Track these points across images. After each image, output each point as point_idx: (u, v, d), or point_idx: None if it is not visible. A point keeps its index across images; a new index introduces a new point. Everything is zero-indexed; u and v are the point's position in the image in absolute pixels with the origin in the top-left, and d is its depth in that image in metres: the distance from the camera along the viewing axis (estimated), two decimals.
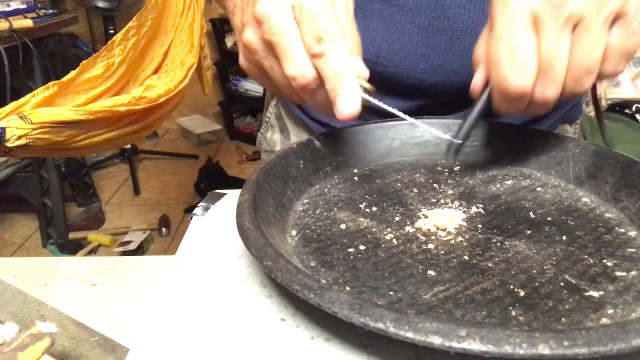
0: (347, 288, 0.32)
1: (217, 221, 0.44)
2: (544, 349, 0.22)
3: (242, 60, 0.44)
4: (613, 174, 0.42)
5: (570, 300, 0.30)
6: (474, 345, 0.23)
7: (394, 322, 0.24)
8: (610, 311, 0.29)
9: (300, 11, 0.38)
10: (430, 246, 0.36)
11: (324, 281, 0.31)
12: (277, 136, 0.70)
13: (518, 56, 0.38)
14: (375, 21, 0.55)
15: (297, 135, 0.67)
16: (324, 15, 0.38)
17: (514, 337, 0.23)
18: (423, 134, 0.51)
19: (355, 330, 0.29)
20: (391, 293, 0.31)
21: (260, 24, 0.39)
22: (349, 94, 0.39)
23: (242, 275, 0.36)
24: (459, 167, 0.49)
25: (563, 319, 0.29)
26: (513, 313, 0.29)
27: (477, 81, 0.42)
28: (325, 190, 0.44)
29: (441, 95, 0.57)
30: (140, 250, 2.02)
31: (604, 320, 0.29)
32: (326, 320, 0.31)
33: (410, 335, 0.24)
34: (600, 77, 0.38)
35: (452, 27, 0.53)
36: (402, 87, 0.56)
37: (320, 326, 0.30)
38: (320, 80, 0.39)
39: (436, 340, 0.23)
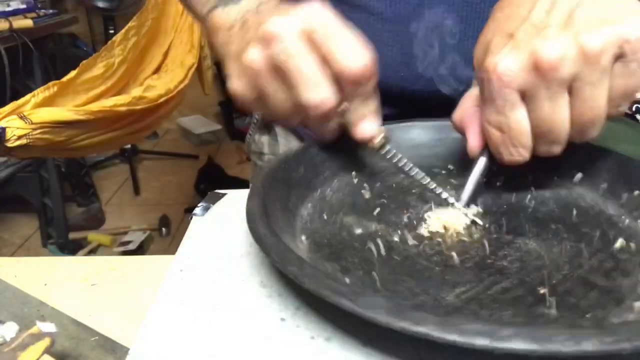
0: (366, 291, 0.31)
1: (217, 221, 0.44)
2: (587, 346, 0.23)
3: (236, 85, 0.40)
4: (610, 171, 0.43)
5: (590, 296, 0.31)
6: (519, 345, 0.23)
7: (437, 325, 0.24)
8: (632, 305, 0.30)
9: (324, 31, 0.37)
10: (443, 247, 0.36)
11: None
12: (265, 138, 0.69)
13: (510, 134, 0.37)
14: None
15: (284, 138, 0.67)
16: (353, 36, 0.37)
17: (558, 335, 0.23)
18: (418, 137, 0.51)
19: (355, 330, 0.29)
20: (413, 296, 0.31)
21: (268, 44, 0.37)
22: (376, 115, 0.41)
23: (242, 275, 0.36)
24: (454, 168, 0.49)
25: (587, 315, 0.29)
26: (538, 311, 0.29)
27: (473, 144, 0.41)
28: (327, 194, 0.44)
29: (423, 103, 0.56)
30: (140, 250, 2.02)
31: (628, 314, 0.29)
32: (326, 320, 0.31)
33: (454, 337, 0.23)
34: None
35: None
36: (383, 94, 0.56)
37: (321, 326, 0.30)
38: (339, 106, 0.39)
39: (481, 342, 0.23)
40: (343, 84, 0.38)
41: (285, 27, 0.36)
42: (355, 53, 0.37)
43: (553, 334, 0.23)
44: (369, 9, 0.54)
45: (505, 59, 0.35)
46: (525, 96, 0.36)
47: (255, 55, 0.37)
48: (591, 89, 0.34)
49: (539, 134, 0.37)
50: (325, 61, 0.37)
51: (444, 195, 0.41)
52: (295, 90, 0.37)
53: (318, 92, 0.37)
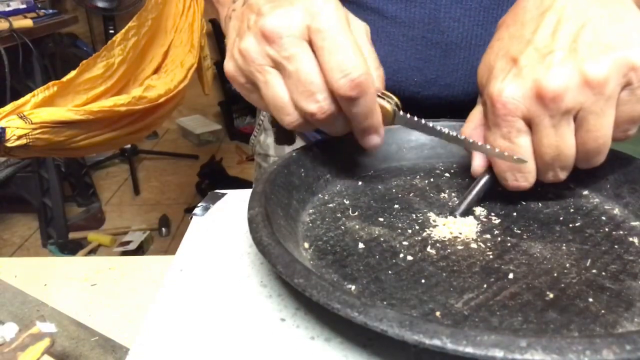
0: (377, 301, 0.31)
1: (217, 221, 0.44)
2: (607, 355, 0.22)
3: (230, 66, 0.39)
4: (613, 171, 0.42)
5: (599, 299, 0.30)
6: (537, 356, 0.23)
7: (450, 337, 0.24)
8: None
9: (321, 38, 0.35)
10: (448, 252, 0.36)
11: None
12: (271, 140, 0.69)
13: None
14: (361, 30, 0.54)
15: None
16: (350, 47, 0.35)
17: (576, 344, 0.23)
18: (419, 138, 0.51)
19: (355, 330, 0.29)
20: (422, 304, 0.31)
21: (269, 42, 0.35)
22: (377, 131, 0.40)
23: (242, 275, 0.36)
24: (456, 170, 0.48)
25: (598, 320, 0.29)
26: (548, 317, 0.29)
27: (477, 164, 0.41)
28: (329, 198, 0.43)
29: (436, 108, 0.56)
30: (140, 250, 2.02)
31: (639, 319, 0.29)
32: (326, 320, 0.31)
33: (469, 350, 0.23)
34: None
35: (446, 40, 0.53)
36: None
37: (320, 326, 0.30)
38: (338, 113, 0.37)
39: (498, 354, 0.23)
40: (336, 98, 0.36)
41: (286, 27, 0.35)
42: (346, 66, 0.34)
43: (571, 344, 0.23)
44: (383, 12, 0.53)
45: (509, 87, 0.35)
46: (531, 123, 0.35)
47: (251, 45, 0.36)
48: (595, 118, 0.34)
49: (544, 160, 0.36)
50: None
51: (460, 137, 0.40)
52: (296, 96, 0.36)
53: (317, 102, 0.36)
